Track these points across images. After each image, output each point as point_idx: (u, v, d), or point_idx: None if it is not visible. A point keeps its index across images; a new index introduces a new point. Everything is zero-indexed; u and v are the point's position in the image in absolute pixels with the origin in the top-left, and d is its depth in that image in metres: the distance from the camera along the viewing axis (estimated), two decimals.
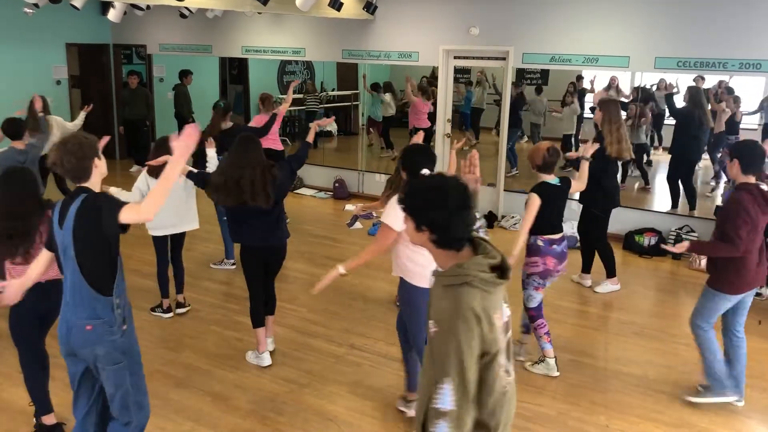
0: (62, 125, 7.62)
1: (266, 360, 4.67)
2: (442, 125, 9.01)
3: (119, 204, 2.76)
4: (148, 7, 8.84)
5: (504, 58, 8.29)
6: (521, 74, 9.05)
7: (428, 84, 10.04)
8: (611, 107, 5.87)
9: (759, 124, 7.86)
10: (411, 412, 4.01)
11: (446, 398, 2.01)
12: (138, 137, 11.17)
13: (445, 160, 9.07)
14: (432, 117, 9.41)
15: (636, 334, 5.30)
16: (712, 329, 4.20)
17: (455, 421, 2.02)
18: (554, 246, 4.47)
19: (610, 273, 6.23)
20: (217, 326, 5.30)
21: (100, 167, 2.94)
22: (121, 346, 2.95)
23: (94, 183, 2.93)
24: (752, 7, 6.77)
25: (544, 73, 9.20)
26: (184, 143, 2.67)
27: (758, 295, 6.12)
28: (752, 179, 3.95)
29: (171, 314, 5.45)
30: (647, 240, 7.32)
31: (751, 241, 3.91)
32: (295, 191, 10.08)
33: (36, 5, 7.44)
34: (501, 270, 2.09)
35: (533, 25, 7.98)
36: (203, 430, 3.89)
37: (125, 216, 2.72)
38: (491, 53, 8.41)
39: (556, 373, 4.59)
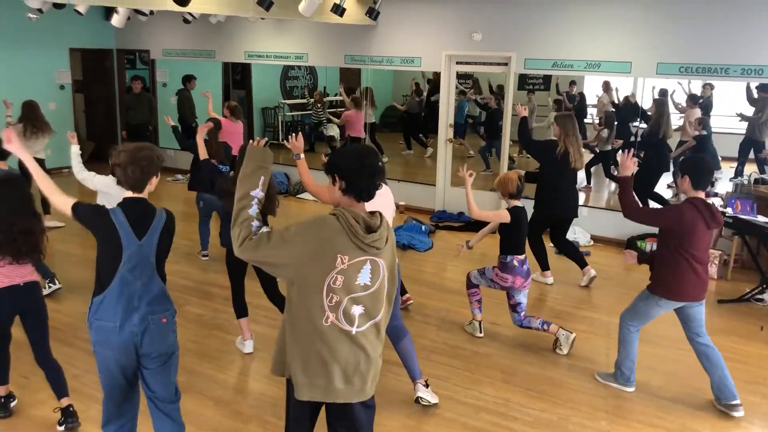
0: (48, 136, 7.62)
1: (248, 347, 4.91)
2: (444, 131, 9.03)
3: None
4: (151, 12, 8.87)
5: (506, 64, 8.31)
6: (523, 80, 9.07)
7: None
8: (566, 122, 6.14)
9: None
10: (433, 399, 4.21)
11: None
12: (141, 142, 11.19)
13: (448, 166, 9.12)
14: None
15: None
16: (638, 332, 4.43)
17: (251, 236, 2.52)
18: (524, 266, 4.95)
19: (544, 266, 6.57)
20: (220, 331, 5.31)
21: (151, 185, 3.07)
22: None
23: (144, 195, 3.07)
24: (754, 13, 6.78)
25: (546, 79, 9.22)
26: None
27: (760, 300, 6.13)
28: (701, 194, 4.06)
29: None
30: (649, 245, 7.31)
31: (688, 251, 4.06)
32: (297, 196, 10.09)
33: (40, 10, 7.48)
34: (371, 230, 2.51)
35: (535, 30, 8.00)
36: None
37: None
38: (493, 59, 8.42)
39: (480, 335, 5.24)
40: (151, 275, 3.01)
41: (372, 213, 2.58)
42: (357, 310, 2.53)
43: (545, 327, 4.97)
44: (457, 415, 4.14)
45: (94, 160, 11.57)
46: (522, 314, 5.00)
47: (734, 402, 4.20)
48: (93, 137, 12.26)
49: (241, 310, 4.89)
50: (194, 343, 5.09)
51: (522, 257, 4.92)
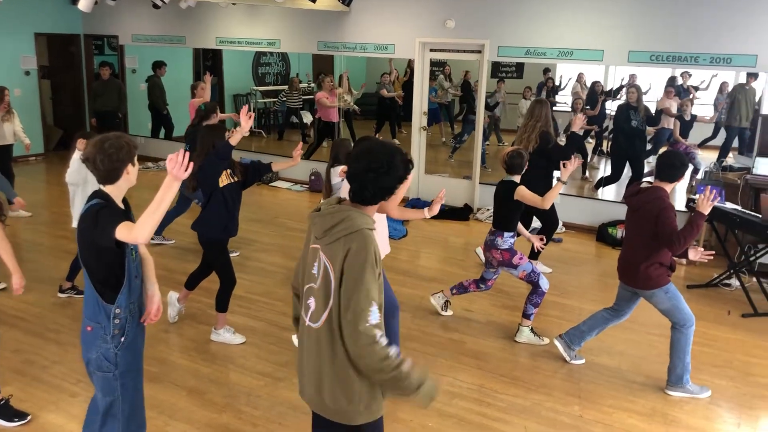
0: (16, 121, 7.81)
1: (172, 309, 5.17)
2: (419, 118, 9.02)
3: (117, 220, 2.64)
4: None
5: (480, 51, 8.31)
6: (496, 67, 9.08)
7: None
8: (534, 107, 6.21)
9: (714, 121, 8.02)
10: None
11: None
12: (111, 130, 10.97)
13: (422, 154, 9.12)
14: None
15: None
16: (606, 309, 4.61)
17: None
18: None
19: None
20: (192, 320, 5.26)
21: (130, 175, 2.81)
22: (112, 357, 2.85)
23: (119, 187, 2.81)
24: (724, 3, 6.86)
25: (519, 67, 9.24)
26: (181, 169, 2.47)
27: (727, 285, 6.25)
28: (661, 183, 4.17)
29: (65, 295, 5.56)
30: (620, 232, 7.40)
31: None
32: (270, 184, 10.02)
33: None
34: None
35: (509, 18, 8.01)
36: (178, 425, 3.86)
37: (119, 233, 2.61)
38: (467, 46, 8.42)
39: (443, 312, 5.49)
40: (84, 269, 2.83)
41: (340, 199, 2.48)
42: (311, 303, 2.41)
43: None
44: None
45: (62, 148, 11.37)
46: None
47: (572, 347, 4.69)
48: (60, 124, 12.02)
49: (191, 285, 5.13)
50: (166, 333, 5.04)
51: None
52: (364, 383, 2.39)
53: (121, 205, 2.84)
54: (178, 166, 2.46)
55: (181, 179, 2.49)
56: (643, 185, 4.30)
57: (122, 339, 2.86)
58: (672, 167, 4.16)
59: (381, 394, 2.47)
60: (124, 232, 2.60)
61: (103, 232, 2.65)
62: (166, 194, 2.50)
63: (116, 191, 2.82)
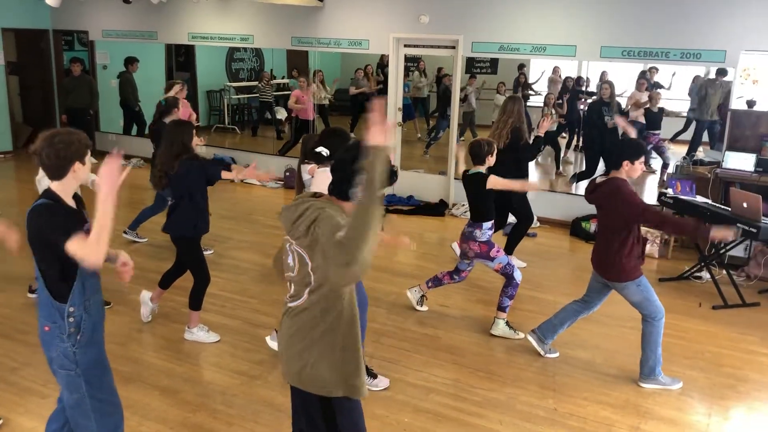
0: None
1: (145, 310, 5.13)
2: (393, 114, 9.01)
3: (69, 230, 2.60)
4: None
5: (454, 47, 8.32)
6: (471, 63, 9.10)
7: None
8: (507, 103, 6.25)
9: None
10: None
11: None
12: (82, 126, 10.82)
13: (397, 149, 9.11)
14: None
15: (583, 319, 5.38)
16: (576, 301, 4.68)
17: None
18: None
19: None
20: (165, 319, 5.20)
21: (78, 172, 2.74)
22: (71, 356, 2.81)
23: (67, 185, 2.75)
24: None
25: (494, 62, 9.27)
26: (110, 178, 2.48)
27: (698, 278, 6.34)
28: (617, 174, 4.23)
29: (34, 295, 5.36)
30: (593, 226, 7.47)
31: None
32: (244, 181, 9.94)
33: None
34: None
35: (482, 14, 8.03)
36: (151, 425, 3.81)
37: (71, 248, 2.57)
38: (441, 42, 8.43)
39: (418, 307, 5.49)
40: (36, 268, 2.81)
41: (314, 194, 2.56)
42: (291, 287, 2.57)
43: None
44: (408, 397, 4.16)
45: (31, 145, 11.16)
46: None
47: (545, 341, 4.73)
48: (29, 121, 11.81)
49: (165, 284, 5.09)
50: (139, 332, 4.98)
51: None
52: (346, 356, 2.48)
53: (72, 202, 2.80)
54: (115, 170, 2.47)
55: (117, 185, 2.49)
56: (598, 180, 4.35)
57: (78, 337, 2.82)
58: (611, 154, 4.26)
59: (363, 376, 2.55)
60: (76, 248, 2.58)
61: (54, 234, 2.63)
62: (105, 218, 2.49)
63: (64, 189, 2.77)
